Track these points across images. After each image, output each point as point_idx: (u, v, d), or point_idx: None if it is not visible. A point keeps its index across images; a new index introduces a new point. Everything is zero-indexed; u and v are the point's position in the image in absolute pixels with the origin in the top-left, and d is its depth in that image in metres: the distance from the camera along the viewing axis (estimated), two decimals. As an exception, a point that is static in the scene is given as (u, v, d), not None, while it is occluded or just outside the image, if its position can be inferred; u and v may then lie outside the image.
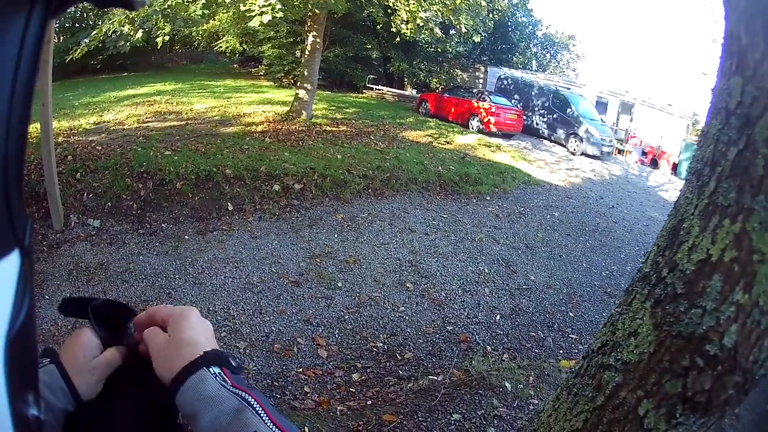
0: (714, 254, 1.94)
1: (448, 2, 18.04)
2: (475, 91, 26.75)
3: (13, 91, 0.50)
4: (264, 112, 19.30)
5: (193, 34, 25.74)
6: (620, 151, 29.33)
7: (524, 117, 25.94)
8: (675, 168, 26.63)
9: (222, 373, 0.98)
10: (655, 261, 2.26)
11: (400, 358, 7.05)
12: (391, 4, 17.65)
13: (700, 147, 2.20)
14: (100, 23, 17.72)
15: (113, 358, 1.10)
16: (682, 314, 2.01)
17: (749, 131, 1.87)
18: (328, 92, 28.42)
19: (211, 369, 0.97)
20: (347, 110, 23.15)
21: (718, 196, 1.98)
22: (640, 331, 2.19)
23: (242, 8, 14.54)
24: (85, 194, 9.35)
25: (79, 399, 1.02)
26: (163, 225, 9.41)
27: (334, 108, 22.98)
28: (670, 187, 22.61)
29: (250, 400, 0.93)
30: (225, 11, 17.81)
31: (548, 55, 47.39)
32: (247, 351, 6.67)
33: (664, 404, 2.07)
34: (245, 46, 30.60)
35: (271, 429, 0.89)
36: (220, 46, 29.21)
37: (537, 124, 27.14)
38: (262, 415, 0.91)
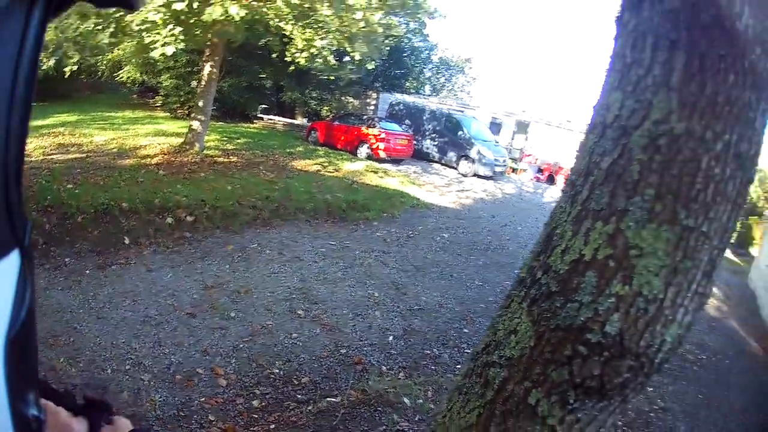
0: (587, 254, 2.02)
1: (343, 30, 18.19)
2: (365, 117, 27.11)
3: (12, 91, 0.50)
4: (159, 144, 19.21)
5: (98, 63, 25.37)
6: (514, 170, 30.01)
7: (415, 141, 26.37)
8: (573, 183, 27.20)
9: None
10: (531, 266, 2.33)
11: (297, 382, 7.04)
12: (288, 33, 17.71)
13: (576, 161, 2.30)
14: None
15: None
16: (558, 309, 2.08)
17: (625, 141, 1.97)
18: (221, 122, 28.34)
19: None
20: (238, 140, 23.29)
21: (590, 201, 2.07)
22: (519, 329, 2.25)
23: (147, 39, 14.41)
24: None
25: None
26: (66, 260, 9.21)
27: (226, 139, 23.07)
28: (565, 201, 23.04)
29: None
30: (130, 41, 17.63)
31: (443, 79, 48.07)
32: (152, 383, 6.54)
33: (554, 392, 2.12)
34: (145, 77, 30.28)
35: None
36: (122, 76, 28.84)
37: (428, 148, 27.63)
38: None
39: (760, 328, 13.69)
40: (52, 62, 13.55)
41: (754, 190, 39.16)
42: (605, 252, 1.97)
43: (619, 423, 6.58)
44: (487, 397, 2.35)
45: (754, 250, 30.26)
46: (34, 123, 20.19)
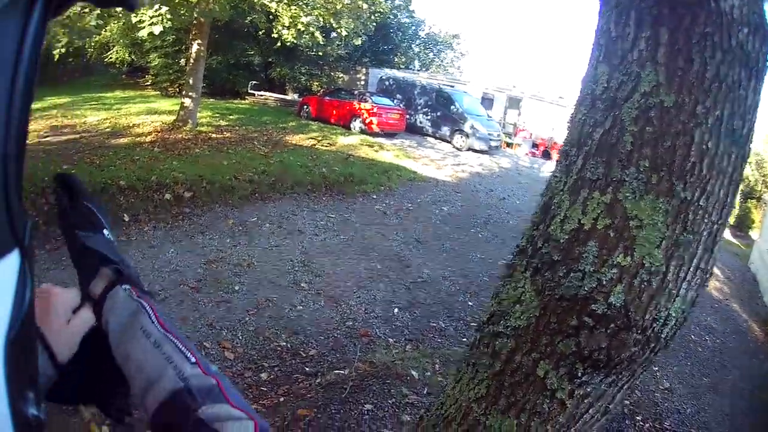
0: (586, 223, 2.05)
1: (329, 6, 18.06)
2: (356, 92, 26.76)
3: (12, 91, 0.51)
4: (152, 122, 19.14)
5: (86, 45, 25.14)
6: (509, 145, 29.81)
7: (407, 116, 26.17)
8: (568, 158, 26.92)
9: (130, 288, 1.10)
10: (531, 235, 2.36)
11: (304, 355, 7.09)
12: (273, 11, 17.56)
13: (569, 132, 2.35)
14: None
15: (88, 319, 1.11)
16: (561, 279, 2.11)
17: (616, 112, 2.03)
18: (212, 99, 28.04)
19: (123, 286, 1.10)
20: (231, 117, 23.05)
21: (585, 171, 2.11)
22: (524, 298, 2.28)
23: (134, 19, 14.30)
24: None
25: (56, 364, 1.01)
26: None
27: (218, 115, 22.84)
28: (562, 175, 22.80)
29: (146, 306, 1.06)
30: (116, 21, 17.47)
31: (431, 54, 47.42)
32: (157, 359, 6.58)
33: (562, 364, 2.16)
34: (133, 57, 29.82)
35: (157, 327, 1.02)
36: (110, 57, 28.52)
37: (420, 122, 27.47)
38: (152, 317, 1.04)
39: (762, 312, 13.59)
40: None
41: (751, 173, 38.89)
42: (604, 222, 2.03)
43: (627, 402, 6.65)
44: (496, 368, 2.38)
45: (753, 233, 30.35)
46: None
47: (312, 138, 20.75)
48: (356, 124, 24.12)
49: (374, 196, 15.01)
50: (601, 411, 2.33)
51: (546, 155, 29.21)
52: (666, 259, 1.99)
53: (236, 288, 8.61)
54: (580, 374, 2.17)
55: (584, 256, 2.07)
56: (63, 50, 15.37)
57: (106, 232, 1.23)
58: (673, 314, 2.07)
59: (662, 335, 2.10)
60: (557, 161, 2.42)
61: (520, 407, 2.34)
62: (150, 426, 0.91)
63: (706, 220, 2.00)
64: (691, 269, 2.04)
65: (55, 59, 16.87)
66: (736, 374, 8.98)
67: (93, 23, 14.04)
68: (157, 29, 13.91)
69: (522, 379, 2.31)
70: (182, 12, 14.74)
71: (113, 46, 26.76)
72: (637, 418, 6.58)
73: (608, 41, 2.16)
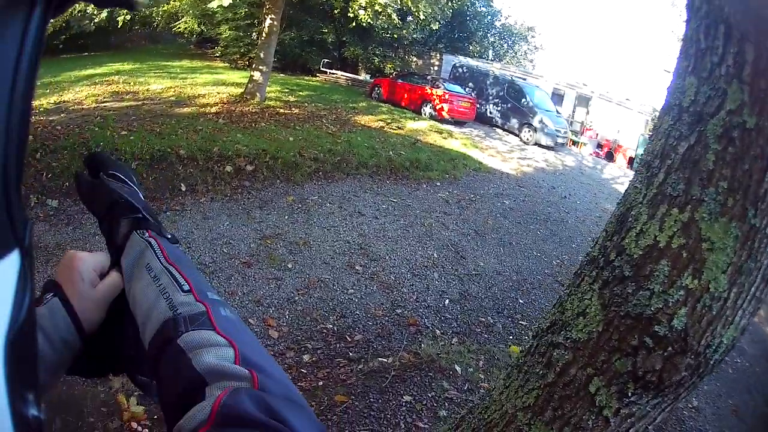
0: (661, 240, 2.00)
1: (408, -11, 18.03)
2: (429, 77, 26.63)
3: (12, 91, 0.50)
4: (218, 93, 19.14)
5: (153, 14, 25.45)
6: (575, 143, 29.56)
7: (478, 105, 26.03)
8: (631, 162, 26.76)
9: (144, 231, 1.08)
10: (603, 245, 2.31)
11: (349, 339, 7.06)
12: (351, -11, 17.60)
13: (652, 141, 2.28)
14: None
15: (116, 282, 1.07)
16: (630, 296, 2.06)
17: (701, 128, 1.95)
18: (282, 75, 28.19)
19: (138, 231, 1.08)
20: (300, 93, 23.01)
21: (666, 186, 2.05)
22: (589, 311, 2.23)
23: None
24: (44, 174, 9.15)
25: (83, 335, 0.99)
26: (118, 205, 9.20)
27: (287, 91, 22.81)
28: (625, 180, 22.38)
29: (152, 242, 1.04)
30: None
31: (505, 45, 47.42)
32: (201, 334, 6.61)
33: (615, 382, 2.12)
34: (203, 27, 30.16)
35: (161, 261, 0.99)
36: (179, 27, 28.90)
37: (490, 112, 27.27)
38: (157, 252, 1.02)
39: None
40: (104, 14, 13.59)
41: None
42: (679, 241, 1.96)
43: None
44: (548, 379, 2.34)
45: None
46: (85, 72, 20.58)
47: (381, 120, 20.66)
48: (427, 110, 24.03)
49: (438, 184, 14.90)
50: (640, 431, 2.28)
51: (609, 157, 28.95)
52: (729, 285, 1.93)
53: (289, 266, 8.60)
54: (629, 394, 2.14)
55: (655, 274, 2.03)
56: (128, 17, 15.54)
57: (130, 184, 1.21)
58: (725, 341, 2.03)
59: (712, 361, 2.06)
60: (636, 171, 2.37)
61: (564, 420, 2.32)
62: (147, 362, 0.90)
63: (768, 249, 1.90)
64: (748, 297, 1.98)
65: (119, 26, 17.03)
66: (759, 400, 8.74)
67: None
68: (226, 1, 13.99)
69: (573, 393, 2.29)
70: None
71: (182, 16, 27.09)
72: (663, 436, 6.45)
73: (697, 52, 2.07)
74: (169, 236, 1.11)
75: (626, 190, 2.36)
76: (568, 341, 2.30)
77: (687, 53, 2.13)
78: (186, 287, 0.93)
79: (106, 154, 1.28)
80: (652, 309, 1.98)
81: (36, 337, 0.67)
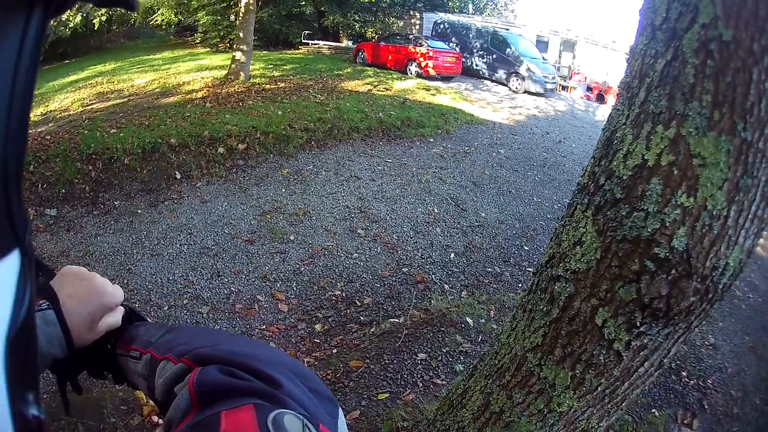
0: (650, 159, 1.96)
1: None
2: (411, 37, 26.72)
3: (12, 91, 0.49)
4: (203, 78, 19.17)
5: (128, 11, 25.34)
6: (564, 88, 29.56)
7: (463, 59, 26.12)
8: (623, 102, 26.67)
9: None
10: (592, 171, 2.27)
11: (359, 304, 7.11)
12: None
13: (629, 63, 2.23)
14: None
15: (115, 321, 1.13)
16: (624, 218, 2.03)
17: (676, 43, 1.90)
18: (264, 52, 28.10)
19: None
20: (285, 67, 23.00)
21: (648, 104, 2.00)
22: (585, 239, 2.20)
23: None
24: (40, 185, 9.16)
25: (73, 350, 1.03)
26: (116, 203, 9.28)
27: (271, 66, 22.79)
28: (618, 119, 22.54)
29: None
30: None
31: (484, -2, 47.33)
32: (210, 315, 6.68)
33: (621, 312, 2.09)
34: (180, 17, 30.18)
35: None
36: (156, 20, 28.85)
37: (477, 65, 27.30)
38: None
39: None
40: (78, 18, 13.54)
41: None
42: (668, 159, 1.92)
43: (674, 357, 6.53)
44: (553, 315, 2.31)
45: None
46: (68, 78, 20.75)
47: (368, 84, 20.64)
48: (412, 69, 24.13)
49: (431, 140, 14.93)
50: (655, 365, 2.27)
51: (600, 99, 28.86)
52: (727, 202, 1.88)
53: (291, 238, 8.64)
54: (638, 324, 2.09)
55: (648, 194, 1.98)
56: (104, 18, 15.50)
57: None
58: (731, 263, 1.97)
59: (720, 285, 2.00)
60: (618, 94, 2.31)
61: (576, 358, 2.29)
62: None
63: (764, 165, 1.87)
64: (749, 216, 1.93)
65: (95, 28, 16.99)
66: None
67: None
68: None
69: (580, 328, 2.25)
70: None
71: (158, 9, 26.96)
72: (683, 374, 6.44)
73: (665, -30, 2.01)
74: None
75: (609, 114, 2.33)
76: (568, 273, 2.27)
77: (656, -27, 2.09)
78: (137, 354, 1.07)
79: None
80: (649, 230, 1.96)
81: (36, 337, 0.67)
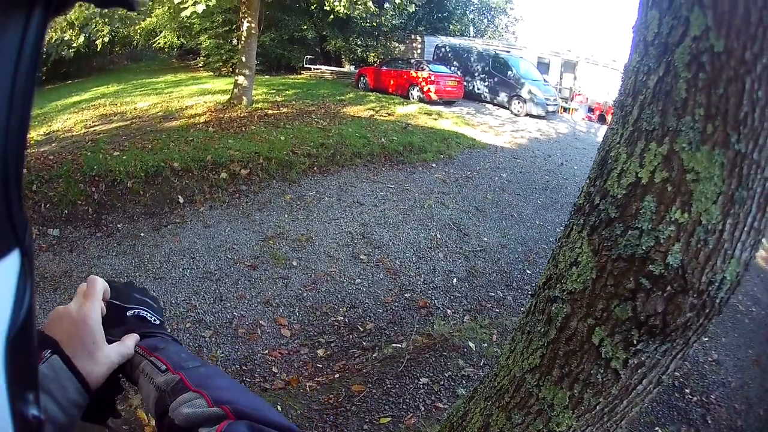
0: (643, 177, 1.96)
1: (381, -25, 18.06)
2: (413, 61, 26.76)
3: (12, 92, 0.50)
4: (205, 102, 19.20)
5: (132, 33, 25.48)
6: (566, 110, 29.63)
7: (465, 83, 26.10)
8: (624, 122, 26.72)
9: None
10: (588, 192, 2.29)
11: (362, 329, 7.11)
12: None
13: (623, 81, 2.23)
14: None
15: (127, 350, 1.13)
16: (618, 237, 2.03)
17: (668, 58, 1.91)
18: (266, 76, 28.23)
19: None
20: (287, 92, 23.07)
21: (641, 122, 2.00)
22: (581, 260, 2.20)
23: (176, 0, 14.44)
24: (42, 205, 9.20)
25: (89, 390, 1.02)
26: (119, 225, 9.29)
27: (274, 91, 22.87)
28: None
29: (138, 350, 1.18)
30: (160, 6, 17.62)
31: (485, 21, 47.57)
32: (213, 339, 6.67)
33: (618, 331, 2.09)
34: (183, 40, 30.36)
35: (142, 355, 1.15)
36: (158, 43, 28.99)
37: (478, 89, 27.29)
38: (139, 351, 1.18)
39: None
40: (81, 39, 13.63)
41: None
42: (662, 175, 1.92)
43: (677, 374, 6.51)
44: (550, 335, 2.32)
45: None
46: (71, 99, 20.71)
47: (370, 109, 20.67)
48: (414, 93, 24.12)
49: (433, 165, 14.91)
50: (654, 382, 2.26)
51: (602, 119, 28.94)
52: (722, 216, 1.87)
53: (294, 264, 8.63)
54: (635, 342, 2.09)
55: (642, 212, 1.98)
56: (107, 39, 15.58)
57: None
58: (728, 277, 1.96)
59: (717, 299, 1.99)
60: (613, 113, 2.32)
61: (573, 378, 2.28)
62: None
63: (759, 176, 1.86)
64: (745, 228, 1.92)
65: (98, 49, 17.06)
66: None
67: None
68: (200, 8, 14.05)
69: (577, 348, 2.25)
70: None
71: (160, 31, 27.10)
72: (686, 390, 6.44)
73: (656, -15, 2.02)
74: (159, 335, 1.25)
75: (604, 135, 2.33)
76: (565, 293, 2.27)
77: (648, -12, 2.10)
78: (163, 368, 1.06)
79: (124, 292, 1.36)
80: (643, 248, 1.95)
81: (35, 337, 0.66)
